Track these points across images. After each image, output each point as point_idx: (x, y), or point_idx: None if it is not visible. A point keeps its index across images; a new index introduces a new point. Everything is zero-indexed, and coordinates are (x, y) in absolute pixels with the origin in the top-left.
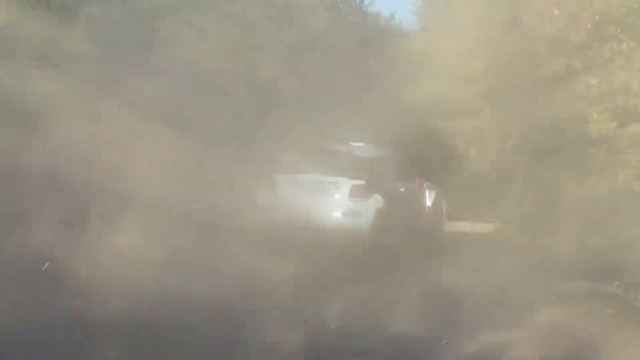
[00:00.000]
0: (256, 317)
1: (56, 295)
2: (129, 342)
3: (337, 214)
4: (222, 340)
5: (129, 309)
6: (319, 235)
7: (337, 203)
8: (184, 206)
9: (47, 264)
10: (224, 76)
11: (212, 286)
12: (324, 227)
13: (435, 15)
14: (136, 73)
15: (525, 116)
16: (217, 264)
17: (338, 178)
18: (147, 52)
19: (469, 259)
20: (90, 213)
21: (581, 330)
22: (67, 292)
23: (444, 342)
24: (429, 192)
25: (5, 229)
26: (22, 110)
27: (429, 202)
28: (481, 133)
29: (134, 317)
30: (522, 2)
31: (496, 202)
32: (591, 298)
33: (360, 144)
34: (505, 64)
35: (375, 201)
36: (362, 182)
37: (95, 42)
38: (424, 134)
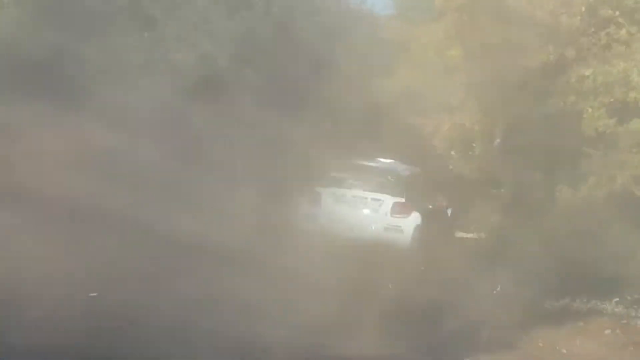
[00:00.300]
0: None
1: None
2: None
3: (380, 229)
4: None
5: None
6: (362, 249)
7: (379, 219)
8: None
9: None
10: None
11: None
12: (366, 241)
13: None
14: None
15: (512, 112)
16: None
17: (381, 194)
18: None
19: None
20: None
21: (576, 355)
22: None
23: None
24: (448, 207)
25: None
26: None
27: (449, 216)
28: (463, 131)
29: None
30: None
31: (479, 208)
32: (587, 316)
33: (391, 161)
34: (489, 52)
35: (414, 218)
36: (403, 199)
37: None
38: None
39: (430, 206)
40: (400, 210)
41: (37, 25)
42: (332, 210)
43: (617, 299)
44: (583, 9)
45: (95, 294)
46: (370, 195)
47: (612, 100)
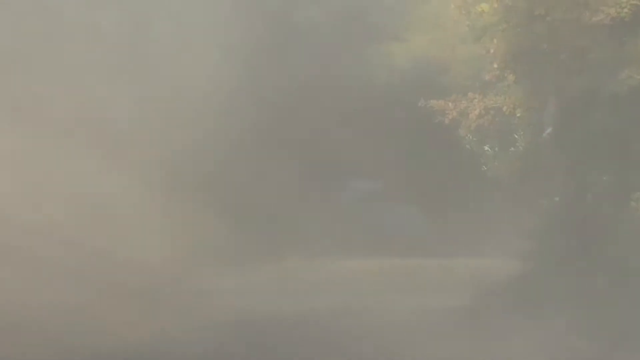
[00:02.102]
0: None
1: None
2: None
3: None
4: None
5: None
6: None
7: None
8: None
9: None
10: None
11: None
12: None
13: None
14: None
15: (568, 90)
16: None
17: None
18: None
19: None
20: None
21: None
22: None
23: None
24: None
25: None
26: None
27: None
28: (499, 117)
29: None
30: None
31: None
32: None
33: None
34: (536, 5)
35: None
36: None
37: None
38: None
39: None
40: None
41: None
42: None
43: None
44: None
45: None
46: None
47: None
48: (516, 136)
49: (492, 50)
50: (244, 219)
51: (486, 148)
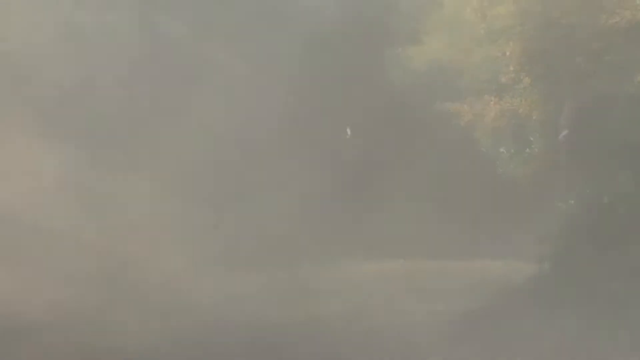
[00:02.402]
0: None
1: None
2: None
3: None
4: None
5: None
6: None
7: None
8: None
9: None
10: None
11: None
12: None
13: None
14: None
15: (585, 92)
16: None
17: None
18: None
19: None
20: None
21: None
22: None
23: None
24: None
25: None
26: None
27: None
28: (515, 119)
29: None
30: None
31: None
32: None
33: None
34: (554, 6)
35: None
36: None
37: None
38: None
39: None
40: None
41: None
42: None
43: None
44: None
45: None
46: None
47: None
48: (532, 138)
49: (508, 53)
50: None
51: (502, 150)
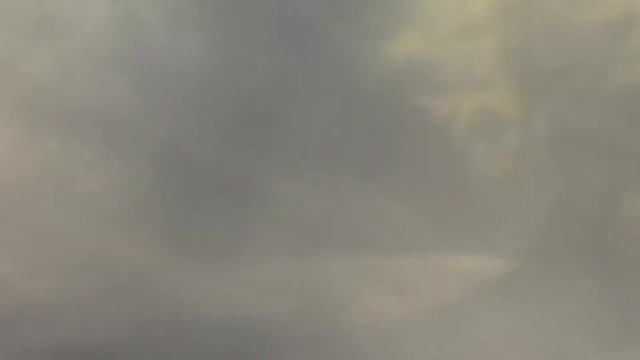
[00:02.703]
0: None
1: None
2: None
3: None
4: None
5: None
6: None
7: None
8: None
9: None
10: None
11: None
12: None
13: None
14: None
15: (560, 87)
16: None
17: None
18: None
19: None
20: None
21: None
22: None
23: None
24: None
25: None
26: None
27: None
28: (491, 115)
29: None
30: None
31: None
32: None
33: None
34: (528, 4)
35: None
36: None
37: None
38: None
39: None
40: None
41: None
42: None
43: None
44: None
45: None
46: None
47: None
48: (508, 134)
49: (485, 48)
50: None
51: (478, 146)
